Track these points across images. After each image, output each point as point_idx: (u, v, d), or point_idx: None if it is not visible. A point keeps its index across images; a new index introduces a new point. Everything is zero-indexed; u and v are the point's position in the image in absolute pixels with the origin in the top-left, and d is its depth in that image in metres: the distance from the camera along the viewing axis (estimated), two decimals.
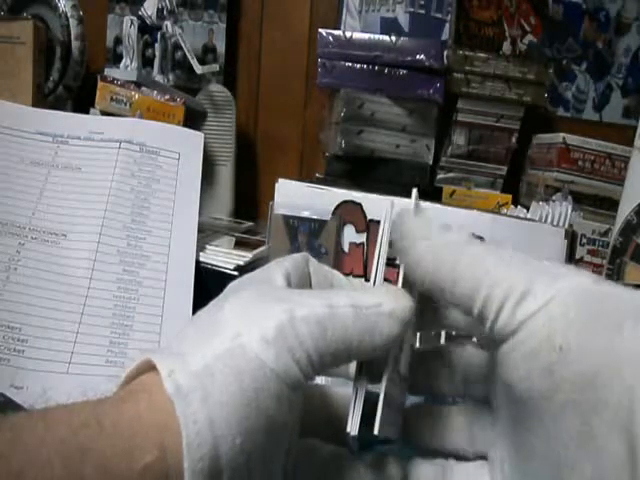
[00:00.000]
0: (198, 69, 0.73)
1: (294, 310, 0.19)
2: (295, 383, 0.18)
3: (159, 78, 0.77)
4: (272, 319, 0.18)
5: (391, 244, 0.22)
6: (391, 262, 0.22)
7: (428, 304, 0.23)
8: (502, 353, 0.19)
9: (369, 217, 0.49)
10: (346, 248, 0.50)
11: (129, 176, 0.49)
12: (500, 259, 0.20)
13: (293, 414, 0.19)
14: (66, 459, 0.15)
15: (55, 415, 0.17)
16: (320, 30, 0.70)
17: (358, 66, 0.69)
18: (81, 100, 0.70)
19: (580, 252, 0.58)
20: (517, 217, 0.54)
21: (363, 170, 0.71)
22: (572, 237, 0.49)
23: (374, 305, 0.19)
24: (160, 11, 0.72)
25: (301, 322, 0.18)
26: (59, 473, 0.15)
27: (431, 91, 0.69)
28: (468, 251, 0.20)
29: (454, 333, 0.34)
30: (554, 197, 0.65)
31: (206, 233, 0.56)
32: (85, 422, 0.16)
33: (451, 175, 0.75)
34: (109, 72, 0.71)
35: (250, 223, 0.69)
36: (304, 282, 0.23)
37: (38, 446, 0.15)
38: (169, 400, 0.17)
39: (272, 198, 0.51)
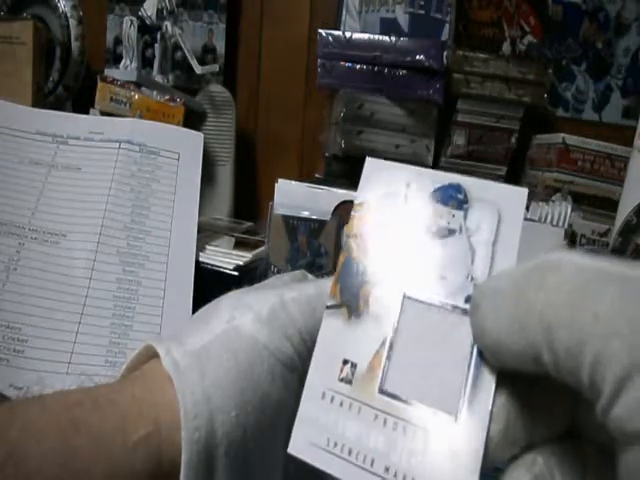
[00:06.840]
0: (198, 69, 0.73)
1: (285, 294, 0.20)
2: (288, 360, 0.19)
3: (159, 78, 0.77)
4: (265, 302, 0.20)
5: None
6: None
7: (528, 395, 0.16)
8: (626, 461, 0.12)
9: None
10: None
11: (129, 176, 0.49)
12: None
13: (288, 393, 0.19)
14: (60, 432, 0.16)
15: (51, 397, 0.17)
16: (320, 30, 0.70)
17: (358, 66, 0.69)
18: (81, 100, 0.70)
19: None
20: None
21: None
22: (572, 237, 0.49)
23: None
24: (160, 11, 0.72)
25: (292, 302, 0.19)
26: (53, 444, 0.16)
27: (431, 91, 0.69)
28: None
29: None
30: (554, 197, 0.65)
31: (206, 233, 0.56)
32: (79, 401, 0.17)
33: None
34: (109, 72, 0.71)
35: (250, 223, 0.69)
36: None
37: (33, 420, 0.16)
38: (166, 378, 0.18)
39: (272, 198, 0.51)
